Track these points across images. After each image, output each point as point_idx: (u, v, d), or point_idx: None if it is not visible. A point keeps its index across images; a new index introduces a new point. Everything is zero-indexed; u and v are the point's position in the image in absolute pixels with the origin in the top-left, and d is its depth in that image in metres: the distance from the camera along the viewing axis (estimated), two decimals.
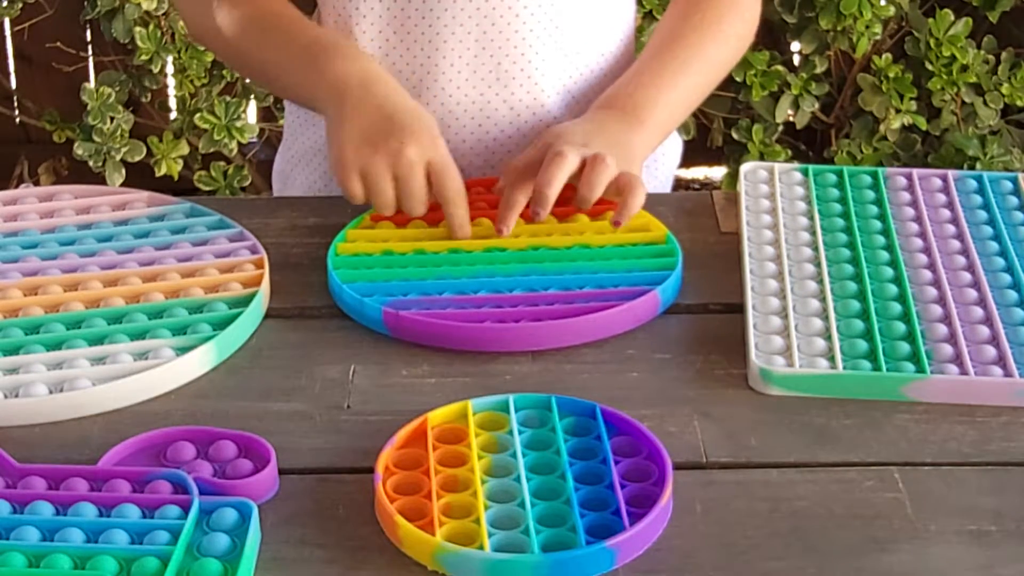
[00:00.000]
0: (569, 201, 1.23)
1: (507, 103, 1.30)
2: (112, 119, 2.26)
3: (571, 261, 1.16)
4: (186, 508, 0.89)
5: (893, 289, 1.12)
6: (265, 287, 1.13)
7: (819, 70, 2.28)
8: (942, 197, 1.26)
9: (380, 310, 1.09)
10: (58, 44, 2.53)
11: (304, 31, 1.26)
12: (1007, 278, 1.14)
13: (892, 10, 2.24)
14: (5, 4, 2.41)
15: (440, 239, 1.19)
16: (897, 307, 1.10)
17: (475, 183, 1.28)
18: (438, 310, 1.10)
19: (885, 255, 1.16)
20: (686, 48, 1.29)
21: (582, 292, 1.12)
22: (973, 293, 1.12)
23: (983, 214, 1.23)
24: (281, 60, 1.26)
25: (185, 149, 2.35)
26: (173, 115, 2.51)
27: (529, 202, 1.17)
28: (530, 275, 1.14)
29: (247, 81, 2.37)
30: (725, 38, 1.32)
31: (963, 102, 2.25)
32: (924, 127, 2.25)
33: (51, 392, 1.02)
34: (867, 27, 2.19)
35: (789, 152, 2.35)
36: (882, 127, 2.26)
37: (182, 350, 1.05)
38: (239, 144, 2.28)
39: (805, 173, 1.29)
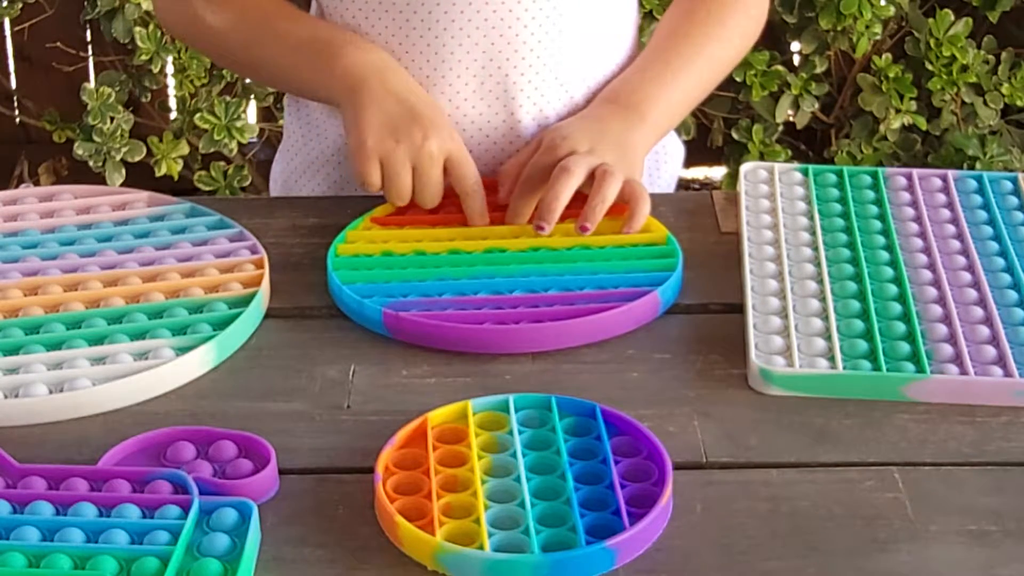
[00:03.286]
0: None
1: (514, 115, 1.29)
2: (112, 119, 2.26)
3: (571, 262, 1.16)
4: (186, 508, 0.89)
5: (893, 289, 1.12)
6: (265, 287, 1.13)
7: (819, 70, 2.28)
8: (942, 197, 1.26)
9: (380, 311, 1.09)
10: (58, 44, 2.53)
11: (303, 25, 1.27)
12: (1007, 278, 1.14)
13: (892, 10, 2.23)
14: (5, 4, 2.41)
15: (440, 240, 1.19)
16: (897, 307, 1.10)
17: None
18: (438, 311, 1.10)
19: (885, 255, 1.16)
20: (690, 46, 1.29)
21: (582, 293, 1.12)
22: (973, 293, 1.12)
23: (983, 214, 1.23)
24: (280, 58, 1.27)
25: (185, 149, 2.34)
26: (173, 115, 2.51)
27: (534, 214, 1.18)
28: (530, 276, 1.14)
29: (247, 81, 2.37)
30: (729, 36, 1.32)
31: (963, 102, 2.25)
32: (924, 127, 2.25)
33: (51, 392, 1.02)
34: (867, 27, 2.18)
35: (789, 152, 2.35)
36: (882, 127, 2.26)
37: (182, 350, 1.05)
38: (239, 144, 2.28)
39: (805, 173, 1.29)
